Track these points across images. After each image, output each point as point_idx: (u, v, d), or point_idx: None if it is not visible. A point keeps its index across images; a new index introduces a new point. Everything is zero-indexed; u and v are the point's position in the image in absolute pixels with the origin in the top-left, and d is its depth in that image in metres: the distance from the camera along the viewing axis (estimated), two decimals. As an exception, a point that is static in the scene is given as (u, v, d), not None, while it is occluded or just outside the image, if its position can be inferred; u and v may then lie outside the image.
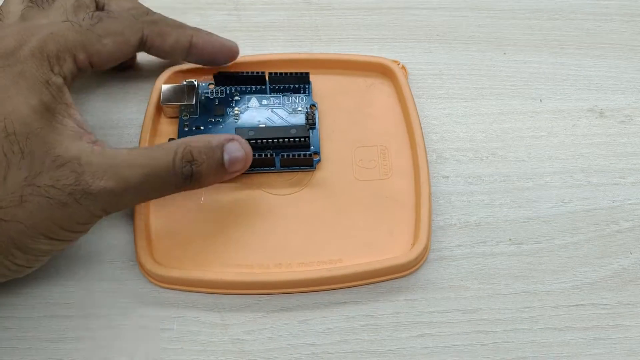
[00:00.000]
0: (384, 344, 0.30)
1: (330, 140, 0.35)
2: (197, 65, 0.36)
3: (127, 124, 0.36)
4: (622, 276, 0.32)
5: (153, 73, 0.37)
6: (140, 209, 0.32)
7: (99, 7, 0.33)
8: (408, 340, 0.30)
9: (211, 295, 0.31)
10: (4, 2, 0.32)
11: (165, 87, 0.35)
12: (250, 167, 0.33)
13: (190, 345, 0.30)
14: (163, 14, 0.40)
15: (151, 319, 0.31)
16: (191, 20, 0.40)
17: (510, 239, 0.33)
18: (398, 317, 0.31)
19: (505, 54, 0.38)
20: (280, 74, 0.35)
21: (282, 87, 0.36)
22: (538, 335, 0.30)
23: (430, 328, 0.30)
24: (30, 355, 0.30)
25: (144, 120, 0.35)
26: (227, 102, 0.36)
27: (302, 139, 0.33)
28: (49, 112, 0.28)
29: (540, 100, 0.37)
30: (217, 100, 0.36)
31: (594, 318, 0.31)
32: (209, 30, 0.39)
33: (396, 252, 0.31)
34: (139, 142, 0.34)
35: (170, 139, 0.33)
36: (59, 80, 0.29)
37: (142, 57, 0.38)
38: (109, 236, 0.33)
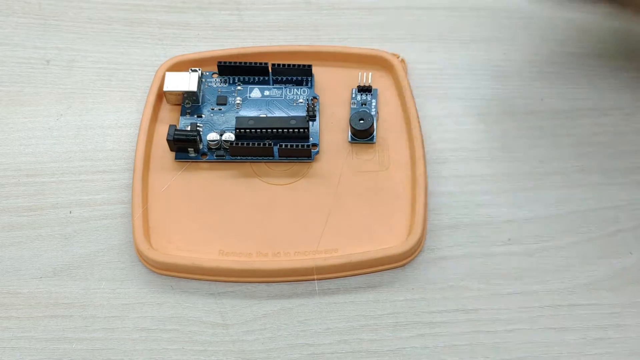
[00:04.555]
0: (383, 344, 0.30)
1: (330, 132, 0.35)
2: (200, 55, 0.37)
3: (126, 123, 0.36)
4: (622, 276, 0.32)
5: (149, 74, 0.37)
6: (138, 196, 0.33)
7: None
8: (408, 340, 0.30)
9: (210, 284, 0.31)
10: None
11: (169, 74, 0.35)
12: (249, 156, 0.33)
13: (190, 345, 0.30)
14: (164, 12, 0.40)
15: (151, 319, 0.31)
16: (193, 20, 0.40)
17: (509, 239, 0.33)
18: (398, 317, 0.31)
19: (505, 53, 0.38)
20: (283, 65, 0.36)
21: (284, 78, 0.36)
22: (538, 335, 0.30)
23: (430, 328, 0.30)
24: (30, 356, 0.30)
25: (144, 106, 0.35)
26: (229, 92, 0.36)
27: (302, 130, 0.33)
28: None
29: (542, 100, 0.37)
30: (219, 90, 0.36)
31: (594, 318, 0.31)
32: (211, 30, 0.39)
33: (392, 242, 0.32)
34: (139, 128, 0.34)
35: (171, 125, 0.33)
36: None
37: (141, 55, 0.38)
38: (108, 236, 0.33)
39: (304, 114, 0.35)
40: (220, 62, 0.36)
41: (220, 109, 0.35)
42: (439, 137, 0.36)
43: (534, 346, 0.30)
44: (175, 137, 0.33)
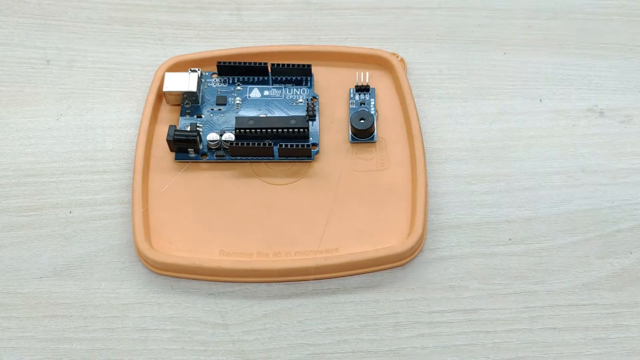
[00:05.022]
0: (383, 344, 0.30)
1: (329, 132, 0.35)
2: (199, 55, 0.37)
3: (126, 123, 0.36)
4: (622, 276, 0.32)
5: (149, 74, 0.37)
6: (138, 197, 0.33)
7: None
8: (408, 340, 0.30)
9: (211, 285, 0.31)
10: None
11: (168, 74, 0.35)
12: (249, 156, 0.34)
13: (190, 345, 0.30)
14: (164, 12, 0.40)
15: (151, 319, 0.31)
16: (193, 20, 0.40)
17: (510, 239, 0.33)
18: (398, 317, 0.31)
19: (505, 53, 0.38)
20: (283, 65, 0.36)
21: (284, 78, 0.36)
22: (538, 335, 0.30)
23: (430, 328, 0.30)
24: (30, 356, 0.30)
25: (144, 106, 0.35)
26: (229, 92, 0.36)
27: (301, 129, 0.33)
28: None
29: (540, 100, 0.37)
30: (219, 90, 0.36)
31: (594, 318, 0.31)
32: (211, 30, 0.39)
33: (392, 241, 0.32)
34: (139, 128, 0.34)
35: (170, 126, 0.33)
36: None
37: (141, 55, 0.38)
38: (108, 236, 0.33)
39: (304, 113, 0.35)
40: (219, 62, 0.36)
41: (220, 109, 0.35)
42: (439, 137, 0.36)
43: (534, 346, 0.30)
44: (175, 137, 0.33)
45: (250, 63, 0.36)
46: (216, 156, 0.34)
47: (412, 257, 0.32)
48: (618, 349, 0.30)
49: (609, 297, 0.31)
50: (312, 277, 0.31)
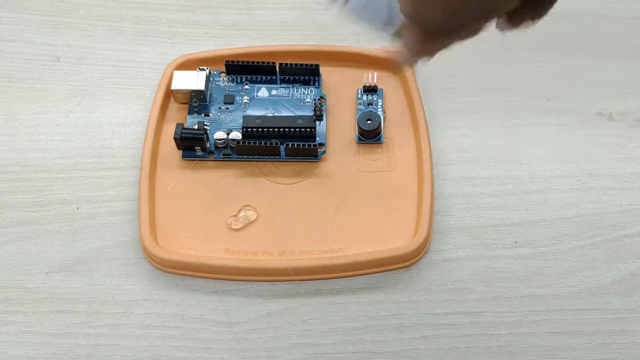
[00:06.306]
0: (387, 345, 0.30)
1: (336, 132, 0.35)
2: (208, 54, 0.37)
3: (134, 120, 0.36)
4: (628, 281, 0.32)
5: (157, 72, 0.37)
6: (145, 194, 0.33)
7: None
8: (411, 341, 0.30)
9: (215, 283, 0.31)
10: None
11: (177, 72, 0.35)
12: (256, 155, 0.34)
13: (194, 342, 0.30)
14: (173, 10, 0.40)
15: (155, 316, 0.31)
16: (202, 19, 0.40)
17: (516, 242, 0.32)
18: (402, 319, 0.31)
19: (513, 56, 0.38)
20: (291, 65, 0.36)
21: (292, 78, 0.36)
22: (543, 339, 0.30)
23: (434, 330, 0.30)
24: (35, 350, 0.30)
25: (152, 104, 0.35)
26: (237, 91, 0.36)
27: (308, 129, 0.33)
28: None
29: (548, 100, 0.37)
30: (227, 89, 0.36)
31: (600, 323, 0.31)
32: (220, 29, 0.39)
33: (398, 242, 0.32)
34: (147, 126, 0.35)
35: (178, 124, 0.34)
36: None
37: (150, 53, 0.39)
38: (115, 233, 0.33)
39: (311, 113, 0.35)
40: (228, 61, 0.36)
41: (227, 108, 0.36)
42: (445, 140, 0.35)
43: (538, 350, 0.30)
44: (183, 135, 0.33)
45: (258, 62, 0.36)
46: (223, 155, 0.34)
47: (417, 258, 0.32)
48: (624, 354, 0.30)
49: (615, 302, 0.31)
50: (318, 277, 0.31)
